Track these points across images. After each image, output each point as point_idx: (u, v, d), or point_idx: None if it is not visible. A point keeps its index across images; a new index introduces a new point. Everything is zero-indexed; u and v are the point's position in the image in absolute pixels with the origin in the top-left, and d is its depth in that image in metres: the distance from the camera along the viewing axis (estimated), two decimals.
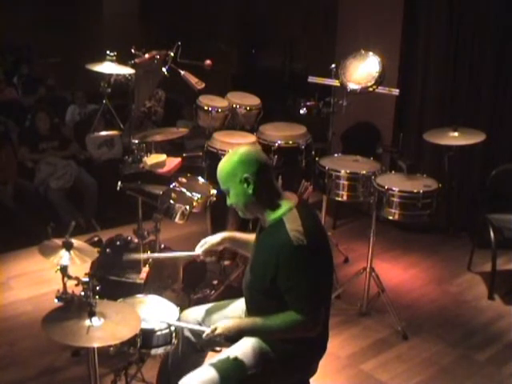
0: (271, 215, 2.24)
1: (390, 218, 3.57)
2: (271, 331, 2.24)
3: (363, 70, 3.93)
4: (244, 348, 2.29)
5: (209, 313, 2.54)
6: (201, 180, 3.70)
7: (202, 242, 2.57)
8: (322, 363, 2.42)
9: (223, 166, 2.28)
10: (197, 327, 2.44)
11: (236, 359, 2.25)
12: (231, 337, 2.25)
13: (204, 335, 2.29)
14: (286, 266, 2.14)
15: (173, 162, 3.68)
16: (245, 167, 2.21)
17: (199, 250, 2.56)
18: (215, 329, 2.24)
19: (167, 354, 2.59)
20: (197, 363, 2.48)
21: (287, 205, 2.24)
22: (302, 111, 4.09)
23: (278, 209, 2.24)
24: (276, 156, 3.81)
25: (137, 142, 3.50)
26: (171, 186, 3.49)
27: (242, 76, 9.07)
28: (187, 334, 2.51)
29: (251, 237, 2.51)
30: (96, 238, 4.02)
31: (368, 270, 3.87)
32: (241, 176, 2.21)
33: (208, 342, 2.49)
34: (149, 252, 3.64)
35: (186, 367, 2.41)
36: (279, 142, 3.86)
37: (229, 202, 2.31)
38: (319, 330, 2.21)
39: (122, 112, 5.03)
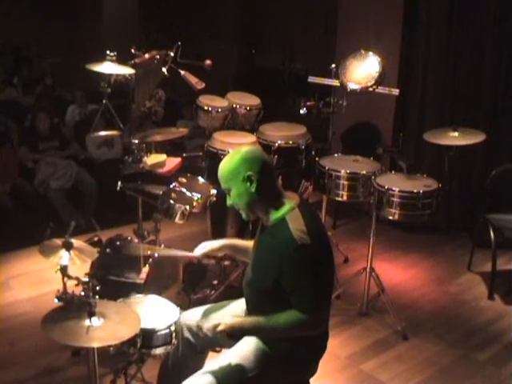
0: (273, 215, 2.24)
1: (390, 217, 3.57)
2: (274, 330, 2.23)
3: (363, 70, 3.92)
4: (243, 349, 2.29)
5: (208, 313, 2.54)
6: (201, 180, 3.70)
7: (202, 245, 2.57)
8: (322, 363, 2.42)
9: (225, 164, 2.27)
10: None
11: (234, 362, 2.25)
12: (233, 334, 2.24)
13: (205, 329, 2.29)
14: (289, 266, 2.14)
15: (173, 162, 3.68)
16: (248, 165, 2.21)
17: (198, 252, 2.56)
18: (218, 325, 2.23)
19: (167, 356, 2.59)
20: (197, 364, 2.48)
21: (289, 204, 2.24)
22: (302, 111, 4.09)
23: (280, 208, 2.24)
24: (276, 156, 3.80)
25: (137, 141, 3.50)
26: (171, 186, 3.49)
27: (242, 76, 9.07)
28: (187, 335, 2.51)
29: (251, 243, 2.52)
30: (96, 238, 4.01)
31: (368, 270, 3.87)
32: (244, 174, 2.21)
33: (208, 343, 2.50)
34: (148, 251, 3.64)
35: (186, 368, 2.42)
36: (279, 141, 3.86)
37: (229, 202, 2.30)
38: (323, 329, 2.21)
39: (122, 112, 5.04)
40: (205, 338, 2.47)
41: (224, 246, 2.56)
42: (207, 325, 2.27)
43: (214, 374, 2.23)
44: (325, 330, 2.33)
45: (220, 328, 2.22)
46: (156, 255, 3.29)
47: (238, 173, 2.22)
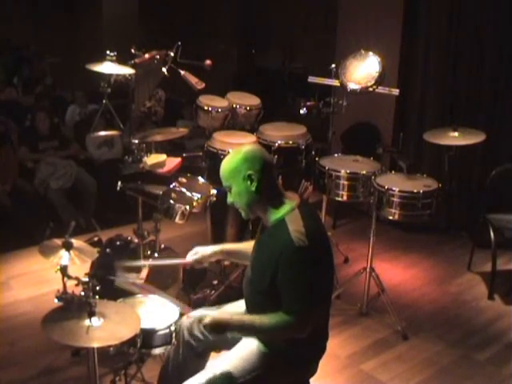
0: (273, 215, 2.24)
1: (390, 217, 3.57)
2: (258, 330, 2.22)
3: (363, 70, 3.92)
4: (244, 350, 2.29)
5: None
6: (201, 180, 3.70)
7: (194, 250, 2.58)
8: (322, 363, 2.42)
9: (226, 163, 2.28)
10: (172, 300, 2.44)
11: (235, 363, 2.25)
12: (217, 329, 2.22)
13: (191, 320, 2.28)
14: (286, 267, 2.14)
15: (173, 162, 3.68)
16: (249, 164, 2.22)
17: (190, 258, 2.57)
18: (204, 317, 2.22)
19: (168, 359, 2.59)
20: (198, 367, 2.46)
21: (289, 204, 2.24)
22: (302, 111, 4.09)
23: (280, 208, 2.24)
24: (276, 156, 3.80)
25: (137, 141, 3.50)
26: (171, 186, 3.49)
27: (242, 76, 9.07)
28: (188, 338, 2.50)
29: (244, 245, 2.52)
30: (96, 238, 4.02)
31: (368, 270, 3.87)
32: (244, 173, 2.21)
33: (209, 345, 2.49)
34: (149, 252, 3.65)
35: (186, 371, 2.40)
36: (279, 141, 3.86)
37: (229, 200, 2.31)
38: (307, 333, 2.20)
39: (122, 112, 5.05)
40: (205, 341, 2.46)
41: (215, 253, 2.56)
42: (195, 315, 2.27)
43: (215, 373, 2.23)
44: (323, 330, 2.32)
45: (205, 321, 2.20)
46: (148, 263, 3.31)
47: (238, 171, 2.22)
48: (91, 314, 2.17)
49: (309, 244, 2.11)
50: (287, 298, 2.16)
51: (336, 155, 4.15)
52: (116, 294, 2.64)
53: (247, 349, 2.29)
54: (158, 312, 2.67)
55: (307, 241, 2.11)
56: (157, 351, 2.58)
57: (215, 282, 3.97)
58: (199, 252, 2.56)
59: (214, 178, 3.57)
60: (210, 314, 2.26)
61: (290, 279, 2.13)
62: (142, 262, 3.38)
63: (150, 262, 3.34)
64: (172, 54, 3.60)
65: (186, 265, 2.60)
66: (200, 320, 2.24)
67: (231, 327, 2.24)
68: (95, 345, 2.17)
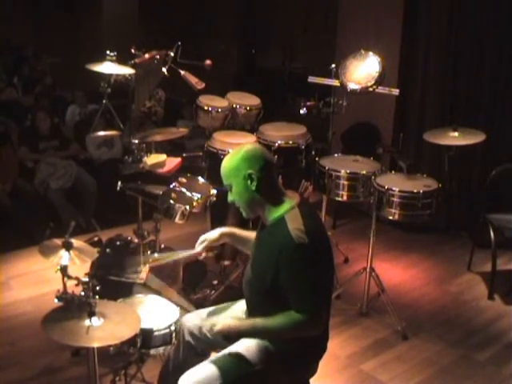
0: (273, 213, 2.24)
1: (390, 217, 3.57)
2: (272, 332, 2.23)
3: (363, 70, 3.92)
4: (247, 344, 2.29)
5: (209, 316, 2.52)
6: (201, 180, 3.70)
7: (202, 238, 2.57)
8: (322, 363, 2.42)
9: (227, 161, 2.29)
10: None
11: (237, 356, 2.26)
12: (230, 336, 2.24)
13: (204, 329, 2.29)
14: (287, 265, 2.14)
15: (173, 162, 3.68)
16: (249, 163, 2.22)
17: (199, 247, 2.56)
18: (215, 324, 2.23)
19: (168, 358, 2.59)
20: None
21: (289, 203, 2.25)
22: (302, 111, 4.09)
23: (280, 207, 2.24)
24: (276, 156, 3.80)
25: (137, 141, 3.50)
26: (171, 186, 3.49)
27: (242, 76, 9.07)
28: (188, 338, 2.50)
29: (250, 234, 2.51)
30: (96, 238, 4.01)
31: (368, 270, 3.87)
32: (245, 172, 2.22)
33: (209, 345, 2.50)
34: (149, 252, 3.64)
35: (187, 371, 2.41)
36: (279, 141, 3.86)
37: (230, 198, 2.31)
38: (321, 329, 2.21)
39: (122, 112, 5.05)
40: (205, 341, 2.47)
41: (223, 235, 2.55)
42: (205, 323, 2.27)
43: (217, 364, 2.24)
44: (325, 330, 2.32)
45: (217, 328, 2.22)
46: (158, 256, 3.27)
47: (238, 170, 2.23)
48: (91, 314, 2.17)
49: (309, 241, 2.11)
50: (295, 297, 2.16)
51: (336, 155, 4.15)
52: (116, 293, 2.65)
53: (250, 342, 2.29)
54: (157, 312, 2.67)
55: (307, 238, 2.12)
56: (157, 351, 2.58)
57: (215, 282, 3.97)
58: (207, 238, 2.55)
59: (214, 177, 3.58)
60: (220, 321, 2.25)
61: (294, 277, 2.14)
62: (152, 256, 3.32)
63: (163, 259, 3.28)
64: (172, 54, 3.61)
65: (197, 255, 2.59)
66: (212, 327, 2.24)
67: (243, 332, 2.25)
68: (95, 345, 2.17)
